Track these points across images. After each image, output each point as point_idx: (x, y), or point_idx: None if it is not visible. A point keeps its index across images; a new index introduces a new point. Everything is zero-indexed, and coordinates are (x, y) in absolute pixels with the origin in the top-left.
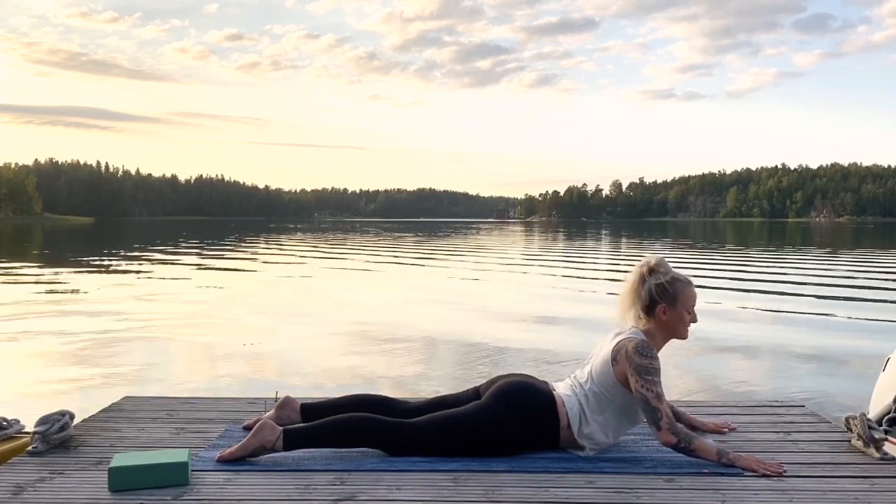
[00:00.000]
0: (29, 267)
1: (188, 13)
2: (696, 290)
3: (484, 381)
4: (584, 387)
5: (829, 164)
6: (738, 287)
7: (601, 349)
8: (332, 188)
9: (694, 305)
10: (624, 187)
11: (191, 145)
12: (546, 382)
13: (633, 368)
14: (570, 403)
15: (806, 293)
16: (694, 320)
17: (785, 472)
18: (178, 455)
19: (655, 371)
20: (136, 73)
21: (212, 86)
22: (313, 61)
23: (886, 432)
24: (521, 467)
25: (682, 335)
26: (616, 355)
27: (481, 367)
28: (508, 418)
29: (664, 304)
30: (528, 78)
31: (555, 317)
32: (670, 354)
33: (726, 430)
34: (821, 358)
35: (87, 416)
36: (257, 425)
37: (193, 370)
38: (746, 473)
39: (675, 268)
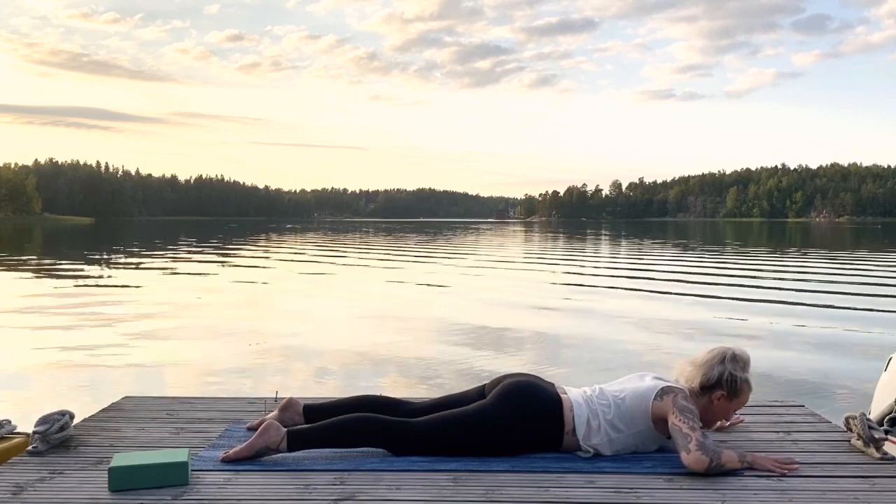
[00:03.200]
0: (28, 268)
1: (189, 14)
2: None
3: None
4: (610, 399)
5: (828, 164)
6: (737, 284)
7: (640, 379)
8: (332, 188)
9: (739, 409)
10: (624, 187)
11: (191, 145)
12: (553, 384)
13: (677, 408)
14: (578, 410)
15: (807, 289)
16: (728, 419)
17: (793, 469)
18: (178, 455)
19: (696, 415)
20: (137, 74)
21: (212, 86)
22: (314, 62)
23: (887, 432)
24: (521, 467)
25: (711, 425)
26: (663, 395)
27: (487, 365)
28: (511, 419)
29: (723, 393)
30: (527, 78)
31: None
32: (673, 355)
33: (724, 424)
34: (821, 357)
35: (87, 416)
36: (262, 426)
37: (194, 370)
38: (746, 473)
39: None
